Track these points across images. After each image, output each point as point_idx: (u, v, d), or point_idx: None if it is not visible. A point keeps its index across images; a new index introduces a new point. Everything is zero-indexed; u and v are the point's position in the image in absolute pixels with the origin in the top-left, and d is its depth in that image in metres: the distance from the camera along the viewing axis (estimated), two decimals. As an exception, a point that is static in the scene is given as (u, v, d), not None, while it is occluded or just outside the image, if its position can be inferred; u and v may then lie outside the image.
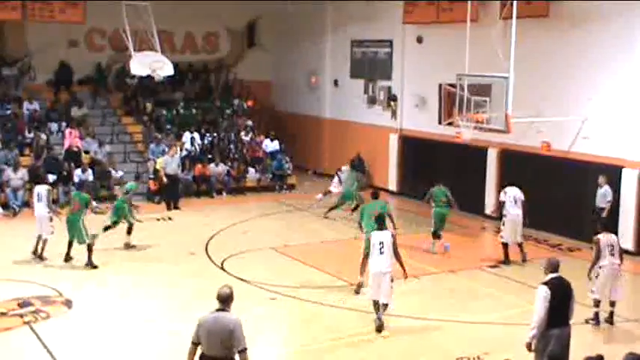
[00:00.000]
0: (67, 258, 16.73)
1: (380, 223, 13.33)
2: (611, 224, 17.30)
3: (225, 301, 8.39)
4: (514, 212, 17.24)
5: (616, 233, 17.75)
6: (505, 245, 17.29)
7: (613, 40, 18.77)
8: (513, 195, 17.36)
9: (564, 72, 19.86)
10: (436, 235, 18.31)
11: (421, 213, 20.35)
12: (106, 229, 17.88)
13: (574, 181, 19.73)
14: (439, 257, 17.92)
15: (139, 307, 14.14)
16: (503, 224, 17.32)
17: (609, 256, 13.17)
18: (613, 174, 18.61)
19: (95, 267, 16.44)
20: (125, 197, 18.61)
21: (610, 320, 13.44)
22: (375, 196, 17.10)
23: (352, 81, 28.02)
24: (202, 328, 8.31)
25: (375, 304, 13.01)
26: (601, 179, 18.47)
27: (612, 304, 13.43)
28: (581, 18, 19.39)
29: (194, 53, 30.44)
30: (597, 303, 13.33)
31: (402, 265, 13.08)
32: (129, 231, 18.30)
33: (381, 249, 12.76)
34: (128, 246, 18.27)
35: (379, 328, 12.87)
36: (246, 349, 8.26)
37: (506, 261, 17.27)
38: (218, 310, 8.37)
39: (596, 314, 13.35)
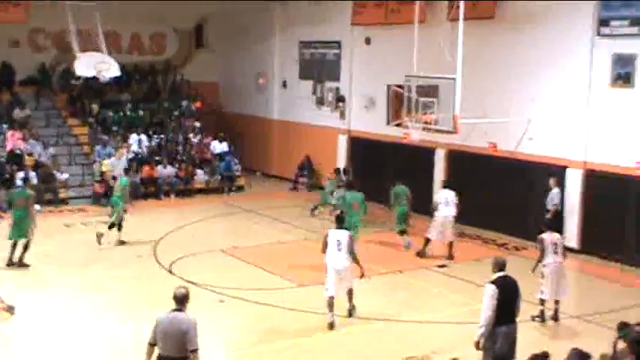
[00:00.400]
0: (12, 262, 16.42)
1: (340, 222, 13.56)
2: (556, 223, 17.70)
3: (181, 301, 8.47)
4: (445, 213, 17.74)
5: (560, 232, 18.19)
6: (427, 240, 17.90)
7: (556, 42, 19.07)
8: (445, 197, 17.92)
9: (510, 73, 20.12)
10: (402, 233, 18.67)
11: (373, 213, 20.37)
12: (111, 226, 18.49)
13: (520, 181, 19.98)
14: (387, 258, 17.98)
15: (84, 312, 13.90)
16: (434, 221, 17.84)
17: (553, 254, 13.43)
18: (558, 174, 18.89)
19: (26, 266, 16.34)
20: (121, 193, 18.67)
21: (555, 317, 13.68)
22: (351, 187, 18.28)
23: (301, 82, 28.01)
24: (159, 329, 8.37)
25: (331, 302, 13.10)
26: (551, 182, 18.68)
27: (557, 301, 13.69)
28: (525, 20, 19.66)
29: (141, 54, 30.11)
30: (542, 301, 13.54)
31: (358, 263, 13.26)
32: (119, 227, 18.62)
33: (338, 247, 13.07)
34: (122, 243, 18.61)
35: (350, 313, 13.65)
36: (197, 349, 8.29)
37: (421, 253, 17.85)
38: (174, 310, 8.44)
39: (542, 312, 13.56)
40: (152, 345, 8.46)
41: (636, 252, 17.63)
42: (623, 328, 9.13)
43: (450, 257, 17.79)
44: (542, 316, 13.55)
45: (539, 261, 13.51)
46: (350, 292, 13.51)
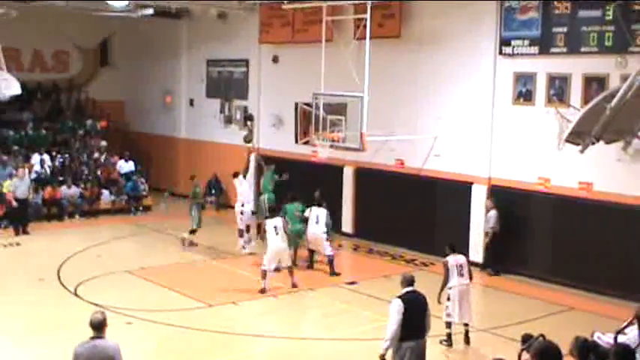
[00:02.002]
0: None
1: (272, 212, 17.58)
2: (495, 246, 18.11)
3: (99, 327, 7.99)
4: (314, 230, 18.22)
5: (467, 248, 18.56)
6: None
7: (460, 61, 19.50)
8: (317, 214, 18.20)
9: (416, 91, 20.45)
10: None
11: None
12: None
13: (427, 197, 20.28)
14: (299, 275, 17.93)
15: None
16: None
17: (458, 276, 13.23)
18: (463, 190, 19.26)
19: None
20: None
21: (467, 340, 13.47)
22: (294, 199, 18.89)
23: (208, 100, 27.81)
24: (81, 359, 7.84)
25: (264, 274, 16.29)
26: (488, 203, 18.58)
27: (466, 324, 13.53)
28: (431, 39, 20.04)
29: (43, 72, 29.32)
30: (449, 324, 13.30)
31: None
32: None
33: (275, 231, 16.40)
34: None
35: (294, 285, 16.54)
36: None
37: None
38: (93, 337, 7.96)
39: (449, 335, 13.32)
40: None
41: (540, 265, 18.08)
42: (527, 339, 9.32)
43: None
44: (449, 340, 13.32)
45: (444, 285, 13.25)
46: (291, 270, 16.75)
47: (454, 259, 13.42)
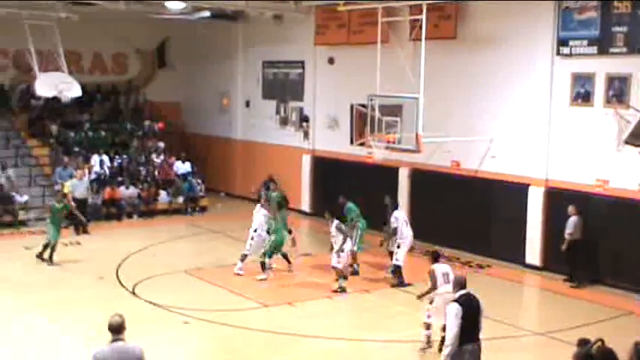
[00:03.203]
0: None
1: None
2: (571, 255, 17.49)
3: (118, 330, 7.85)
4: (409, 233, 17.50)
5: (524, 249, 18.39)
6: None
7: (517, 61, 19.30)
8: (404, 218, 17.68)
9: (472, 92, 20.30)
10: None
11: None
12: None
13: (483, 199, 20.12)
14: (354, 277, 17.94)
15: (45, 335, 13.69)
16: (399, 247, 17.31)
17: (445, 284, 12.71)
18: (520, 192, 19.06)
19: None
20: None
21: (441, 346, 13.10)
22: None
23: (264, 102, 27.99)
24: None
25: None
26: (570, 208, 17.63)
27: (444, 328, 12.78)
28: (486, 40, 19.87)
29: (103, 74, 29.85)
30: (428, 326, 13.05)
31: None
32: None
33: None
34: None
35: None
36: None
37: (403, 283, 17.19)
38: (113, 340, 7.83)
39: (428, 337, 13.06)
40: None
41: (597, 270, 17.79)
42: (584, 344, 9.19)
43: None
44: (428, 341, 13.02)
45: (430, 291, 12.92)
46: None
47: (440, 268, 13.01)
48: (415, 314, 14.34)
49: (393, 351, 13.32)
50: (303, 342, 13.23)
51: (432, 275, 12.93)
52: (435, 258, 13.27)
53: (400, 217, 17.59)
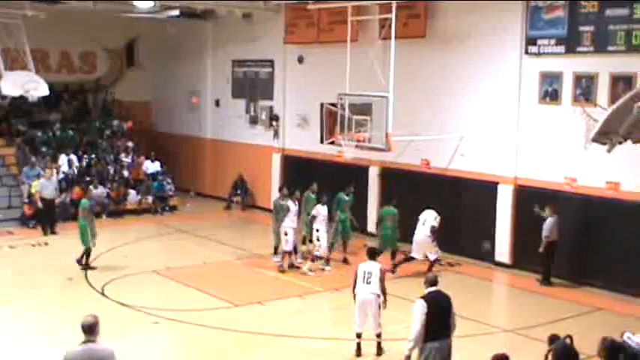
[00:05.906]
0: None
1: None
2: (548, 256, 17.50)
3: (91, 331, 7.74)
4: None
5: (493, 246, 18.55)
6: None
7: (486, 60, 19.44)
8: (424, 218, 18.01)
9: (441, 91, 20.40)
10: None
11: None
12: None
13: (452, 197, 20.21)
14: (324, 276, 17.96)
15: (11, 338, 13.54)
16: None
17: (364, 283, 12.39)
18: (489, 190, 19.18)
19: None
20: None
21: (378, 352, 12.85)
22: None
23: (234, 101, 27.91)
24: None
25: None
26: (547, 210, 17.46)
27: (378, 335, 12.82)
28: (456, 39, 19.98)
29: (70, 73, 29.57)
30: (359, 335, 12.76)
31: None
32: None
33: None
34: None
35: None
36: None
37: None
38: (85, 341, 7.73)
39: (358, 345, 12.79)
40: None
41: (565, 266, 17.95)
42: (554, 340, 9.28)
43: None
44: (358, 350, 12.76)
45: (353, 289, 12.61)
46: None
47: (364, 265, 12.60)
48: (385, 312, 14.42)
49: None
50: (273, 341, 13.19)
51: (355, 273, 12.64)
52: (371, 255, 12.87)
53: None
